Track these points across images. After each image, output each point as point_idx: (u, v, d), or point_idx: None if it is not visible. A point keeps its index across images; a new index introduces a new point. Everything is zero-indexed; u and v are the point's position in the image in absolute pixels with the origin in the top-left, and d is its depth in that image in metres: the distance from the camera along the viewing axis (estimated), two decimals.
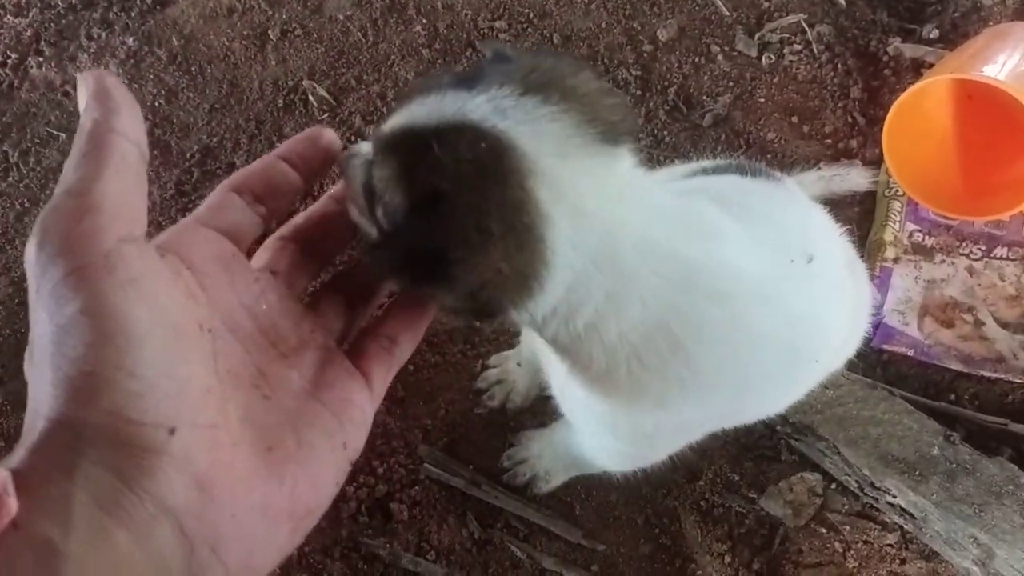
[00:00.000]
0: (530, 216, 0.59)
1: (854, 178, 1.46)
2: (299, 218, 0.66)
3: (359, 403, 0.58)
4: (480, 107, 0.60)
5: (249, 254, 0.61)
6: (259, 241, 0.63)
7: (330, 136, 0.65)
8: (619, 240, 0.63)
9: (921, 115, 1.46)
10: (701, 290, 0.68)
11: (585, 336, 0.67)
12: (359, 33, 1.72)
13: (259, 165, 0.62)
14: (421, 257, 0.60)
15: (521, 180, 0.58)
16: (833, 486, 1.26)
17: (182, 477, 0.44)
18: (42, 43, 1.78)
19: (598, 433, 0.92)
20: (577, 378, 0.76)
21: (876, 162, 1.51)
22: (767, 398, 0.91)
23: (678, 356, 0.69)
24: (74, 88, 1.69)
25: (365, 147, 0.69)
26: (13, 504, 0.38)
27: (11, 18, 1.82)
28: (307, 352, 0.59)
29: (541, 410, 1.31)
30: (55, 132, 1.67)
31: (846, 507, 1.24)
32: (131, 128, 0.49)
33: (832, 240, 1.00)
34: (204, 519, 0.44)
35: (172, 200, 1.57)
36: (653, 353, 0.69)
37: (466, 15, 1.73)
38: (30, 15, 1.82)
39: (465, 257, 0.58)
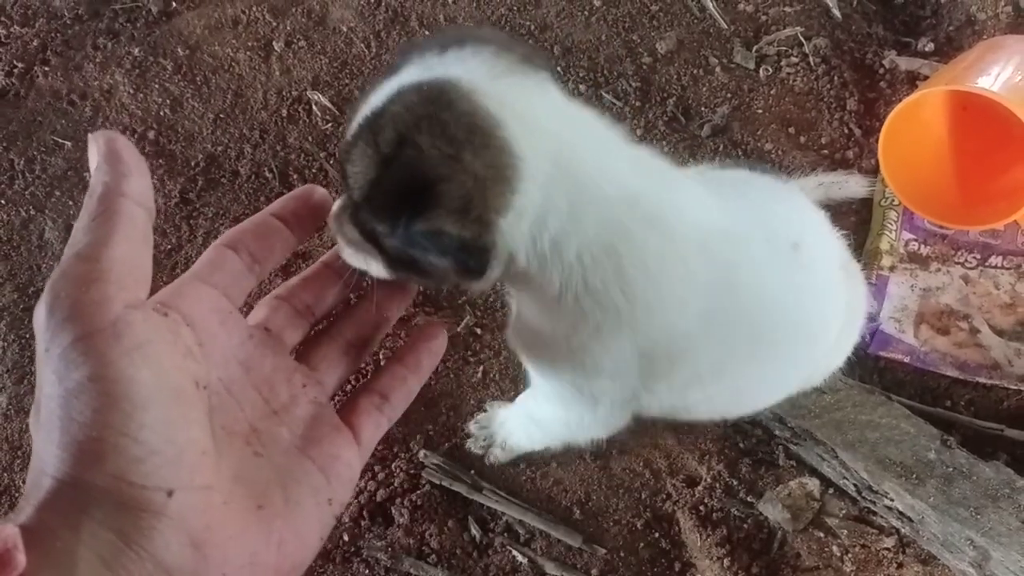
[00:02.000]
0: (483, 120, 0.65)
1: (852, 186, 1.49)
2: (294, 280, 0.70)
3: (347, 459, 0.61)
4: (411, 74, 0.67)
5: (241, 310, 0.63)
6: (253, 297, 0.66)
7: (321, 193, 0.70)
8: (571, 145, 0.69)
9: (917, 126, 1.48)
10: (643, 213, 0.73)
11: (550, 255, 0.71)
12: (362, 44, 1.74)
13: (252, 222, 0.65)
14: (408, 192, 0.64)
15: (467, 98, 0.65)
16: (831, 490, 1.27)
17: (178, 537, 0.46)
18: (48, 53, 1.80)
19: (545, 377, 0.95)
20: (531, 311, 0.83)
21: (872, 172, 1.53)
22: (721, 373, 0.91)
23: (618, 281, 0.74)
24: (79, 97, 1.73)
25: (337, 206, 0.74)
26: (22, 560, 0.40)
27: (17, 28, 1.84)
28: (298, 408, 0.61)
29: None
30: (61, 141, 1.68)
31: (844, 511, 1.26)
32: (140, 192, 0.51)
33: (827, 241, 1.02)
34: None
35: (176, 208, 1.59)
36: (598, 277, 0.73)
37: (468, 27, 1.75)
38: (36, 25, 1.84)
39: (446, 172, 0.63)
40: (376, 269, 0.72)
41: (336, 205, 0.74)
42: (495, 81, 0.67)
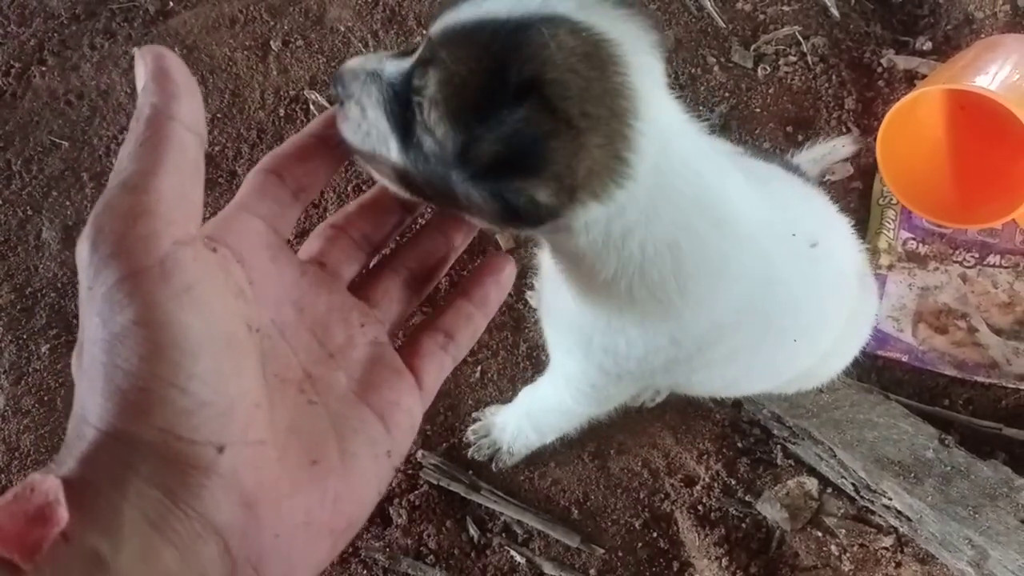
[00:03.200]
0: (628, 102, 0.61)
1: (842, 149, 1.51)
2: (351, 206, 0.64)
3: (407, 406, 0.56)
4: (565, 2, 0.61)
5: (290, 242, 0.58)
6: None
7: None
8: (672, 146, 0.65)
9: (914, 125, 1.48)
10: (711, 215, 0.71)
11: (616, 240, 0.68)
12: (360, 44, 1.74)
13: (293, 144, 0.59)
14: (512, 150, 0.59)
15: (619, 68, 0.60)
16: (829, 490, 1.27)
17: (229, 496, 0.43)
18: (45, 52, 1.80)
19: (573, 354, 0.93)
20: (575, 288, 0.79)
21: (870, 171, 1.53)
22: (732, 359, 0.91)
23: (676, 276, 0.72)
24: (76, 97, 1.72)
25: (366, 61, 0.67)
26: (64, 514, 0.38)
27: (14, 27, 1.83)
28: (355, 350, 0.57)
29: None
30: (58, 141, 1.68)
31: (842, 510, 1.26)
32: (191, 115, 0.47)
33: (847, 247, 1.03)
34: (248, 538, 0.44)
35: None
36: (656, 269, 0.71)
37: None
38: (33, 25, 1.83)
39: (566, 142, 0.59)
40: (381, 161, 0.65)
41: (365, 62, 0.66)
42: (646, 60, 0.63)
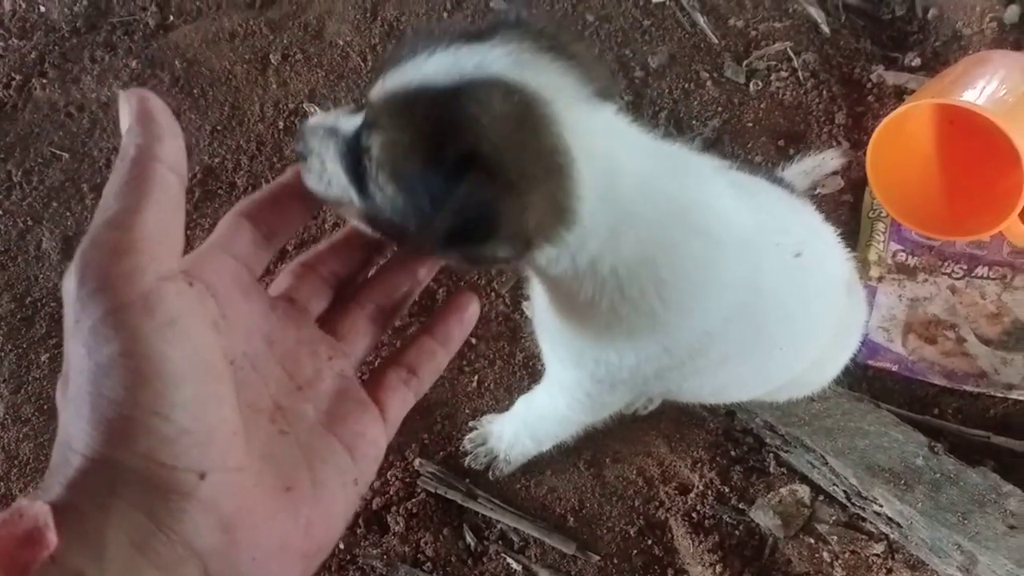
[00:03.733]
0: (562, 158, 0.64)
1: (830, 161, 1.53)
2: (322, 246, 0.67)
3: (372, 437, 0.58)
4: (500, 60, 0.64)
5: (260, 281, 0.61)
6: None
7: None
8: (622, 179, 0.69)
9: (904, 139, 1.51)
10: (689, 224, 0.75)
11: (586, 271, 0.72)
12: (358, 58, 1.76)
13: (268, 191, 0.63)
14: (464, 222, 0.62)
15: (551, 127, 0.64)
16: (821, 497, 1.29)
17: (209, 520, 0.45)
18: (46, 65, 1.81)
19: (566, 364, 0.96)
20: (560, 308, 0.83)
21: (860, 184, 1.56)
22: (722, 366, 0.93)
23: (656, 288, 0.75)
24: (77, 109, 1.74)
25: (324, 119, 0.70)
26: (53, 539, 0.39)
27: (15, 40, 1.85)
28: (322, 382, 0.59)
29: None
30: (58, 152, 1.70)
31: (834, 517, 1.27)
32: (174, 156, 0.49)
33: (834, 255, 1.05)
34: (227, 561, 0.46)
35: None
36: (636, 286, 0.74)
37: None
38: (34, 37, 1.85)
39: (511, 204, 0.62)
40: (346, 208, 0.69)
41: (323, 120, 0.70)
42: (576, 111, 0.66)
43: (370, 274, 0.69)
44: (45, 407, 1.44)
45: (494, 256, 0.67)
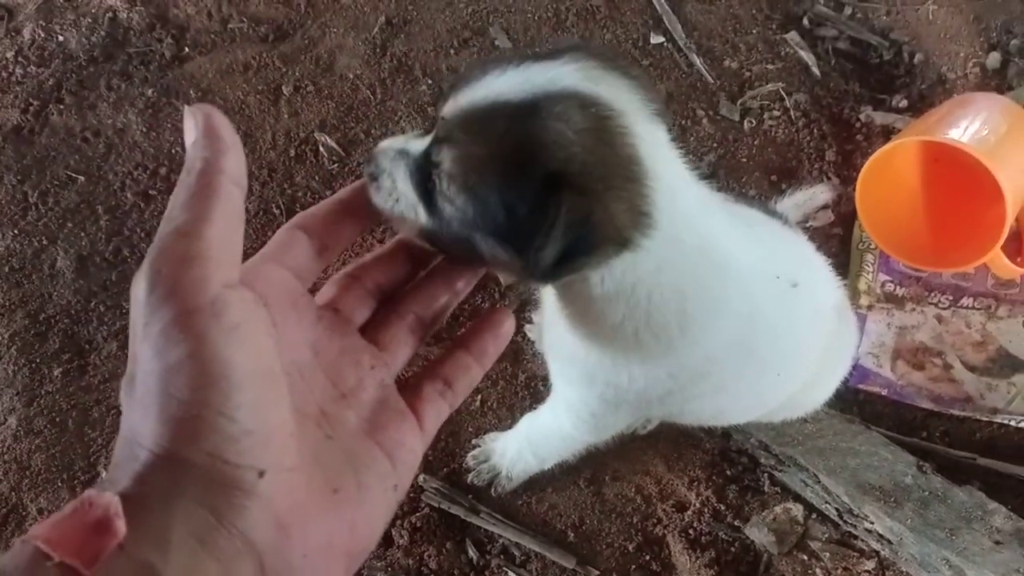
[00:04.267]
0: (639, 168, 0.68)
1: (820, 196, 1.60)
2: (367, 258, 0.69)
3: (411, 445, 0.60)
4: (572, 75, 0.68)
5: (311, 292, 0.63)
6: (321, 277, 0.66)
7: None
8: (679, 205, 0.73)
9: (891, 175, 1.58)
10: (713, 259, 0.79)
11: (626, 291, 0.75)
12: (368, 91, 1.83)
13: (322, 208, 0.65)
14: (570, 242, 0.66)
15: (628, 139, 0.68)
16: (814, 515, 1.33)
17: (266, 517, 0.47)
18: (63, 92, 1.87)
19: (575, 384, 1.00)
20: (581, 331, 0.86)
21: (850, 218, 1.62)
22: (721, 389, 0.98)
23: (679, 319, 0.80)
24: (93, 135, 1.79)
25: (394, 142, 0.75)
26: (122, 527, 0.41)
27: (34, 68, 1.91)
28: (364, 391, 0.61)
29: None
30: (73, 175, 1.74)
31: (826, 535, 1.31)
32: (237, 170, 0.51)
33: (824, 282, 1.11)
34: (280, 556, 0.48)
35: None
36: (661, 314, 0.78)
37: None
38: (52, 65, 1.91)
39: (601, 213, 0.67)
40: (411, 224, 0.73)
41: (393, 143, 0.75)
42: (646, 125, 0.70)
43: (410, 284, 0.71)
44: (57, 420, 1.47)
45: (591, 263, 0.71)
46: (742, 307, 0.86)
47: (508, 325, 0.70)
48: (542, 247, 0.66)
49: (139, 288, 0.47)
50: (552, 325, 0.96)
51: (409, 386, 0.64)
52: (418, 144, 0.74)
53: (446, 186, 0.70)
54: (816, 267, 1.11)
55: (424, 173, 0.72)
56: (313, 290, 0.65)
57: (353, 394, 0.60)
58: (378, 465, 0.58)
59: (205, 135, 0.51)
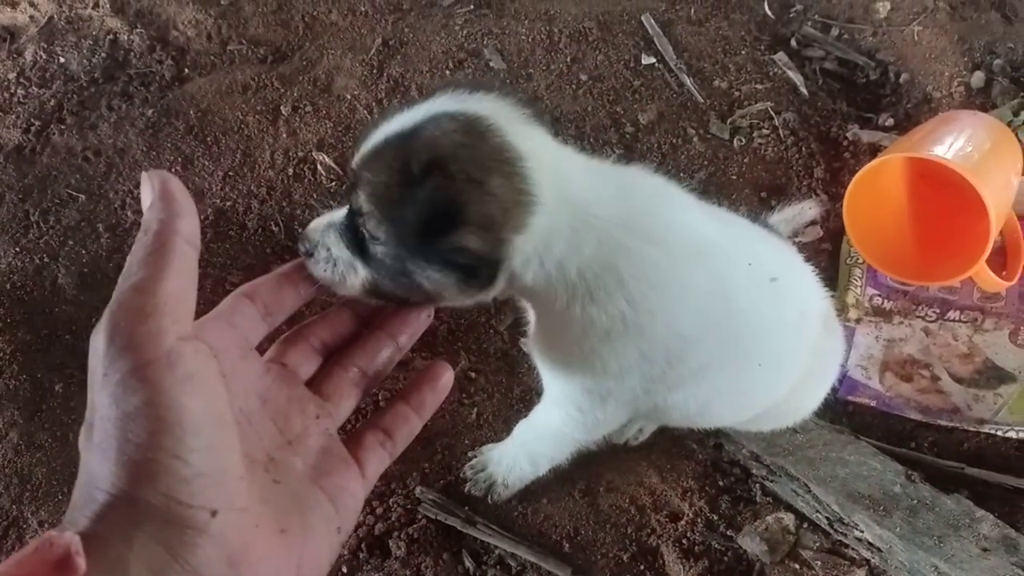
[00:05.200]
0: (511, 153, 0.77)
1: (808, 212, 1.65)
2: (314, 319, 0.75)
3: (353, 491, 0.65)
4: (443, 104, 0.79)
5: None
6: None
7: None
8: (570, 182, 0.82)
9: (878, 191, 1.62)
10: (642, 234, 0.85)
11: (555, 273, 0.83)
12: (365, 111, 1.86)
13: (267, 278, 0.71)
14: (439, 214, 0.74)
15: (496, 132, 0.77)
16: (805, 525, 1.35)
17: (218, 554, 0.50)
18: (64, 112, 1.90)
19: (557, 377, 1.04)
20: (544, 323, 0.94)
21: (838, 233, 1.66)
22: (703, 375, 1.01)
23: (622, 292, 0.86)
24: (94, 154, 1.83)
25: (320, 220, 0.85)
26: (82, 564, 0.44)
27: (35, 88, 1.94)
28: (310, 439, 0.66)
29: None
30: (74, 194, 1.77)
31: (817, 544, 1.33)
32: (191, 230, 0.56)
33: (810, 289, 1.14)
34: None
35: None
36: (602, 290, 0.85)
37: None
38: (54, 86, 1.94)
39: (473, 195, 0.74)
40: (351, 283, 0.81)
41: (320, 220, 0.84)
42: (516, 124, 0.79)
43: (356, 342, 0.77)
44: (58, 433, 1.48)
45: (469, 251, 0.77)
46: (701, 283, 0.91)
47: (446, 378, 0.76)
48: (407, 217, 0.75)
49: (98, 340, 0.51)
50: (532, 327, 1.02)
51: (352, 437, 0.69)
52: (340, 212, 0.83)
53: (371, 226, 0.78)
54: (802, 274, 1.15)
55: (352, 228, 0.80)
56: (261, 351, 0.69)
57: (299, 441, 0.65)
58: (323, 508, 0.62)
59: (161, 198, 0.55)
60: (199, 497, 0.50)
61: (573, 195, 0.82)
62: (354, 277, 0.80)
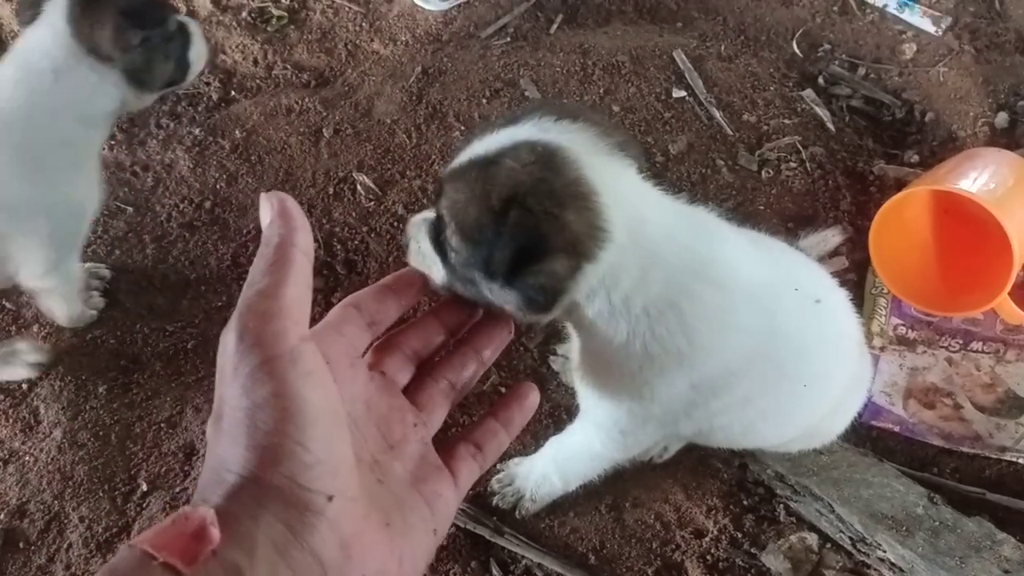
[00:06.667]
0: (585, 187, 0.81)
1: (831, 239, 1.70)
2: (405, 327, 0.79)
3: (447, 498, 0.69)
4: (527, 131, 0.84)
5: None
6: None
7: (421, 274, 0.85)
8: (645, 221, 0.85)
9: (903, 224, 1.66)
10: (705, 277, 0.89)
11: (620, 308, 0.87)
12: (404, 135, 1.92)
13: (371, 289, 0.76)
14: (518, 249, 0.79)
15: (573, 166, 0.81)
16: (828, 545, 1.37)
17: (333, 537, 0.54)
18: (115, 129, 1.97)
19: (603, 403, 1.07)
20: (598, 353, 0.97)
21: (864, 264, 1.70)
22: (749, 403, 1.05)
23: (683, 330, 0.90)
24: (142, 169, 1.89)
25: (420, 215, 0.91)
26: (217, 534, 0.49)
27: None
28: (409, 445, 0.70)
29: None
30: (123, 206, 1.83)
31: (840, 564, 1.35)
32: (306, 244, 0.60)
33: (847, 312, 1.17)
34: (342, 574, 0.55)
35: (228, 270, 1.73)
36: (663, 327, 0.89)
37: None
38: None
39: (551, 228, 0.79)
40: (436, 275, 0.87)
41: (419, 216, 0.90)
42: (595, 157, 0.83)
43: (444, 353, 0.82)
44: (100, 433, 1.53)
45: (554, 274, 0.82)
46: (753, 323, 0.95)
47: (533, 398, 0.80)
48: (493, 253, 0.80)
49: (228, 340, 0.56)
50: (578, 354, 1.05)
51: (445, 447, 0.73)
52: (433, 212, 0.89)
53: (448, 234, 0.84)
54: (839, 296, 1.18)
55: (438, 231, 0.86)
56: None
57: (399, 447, 0.69)
58: (421, 510, 0.65)
59: (280, 215, 0.61)
60: (317, 482, 0.54)
61: (646, 235, 0.85)
62: (436, 272, 0.86)
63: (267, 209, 0.61)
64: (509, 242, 0.79)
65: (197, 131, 1.95)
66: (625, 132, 0.93)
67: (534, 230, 0.79)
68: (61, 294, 1.56)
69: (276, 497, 0.53)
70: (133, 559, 0.48)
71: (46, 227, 1.42)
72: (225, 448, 0.55)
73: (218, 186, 1.87)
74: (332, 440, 0.56)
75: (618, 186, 0.83)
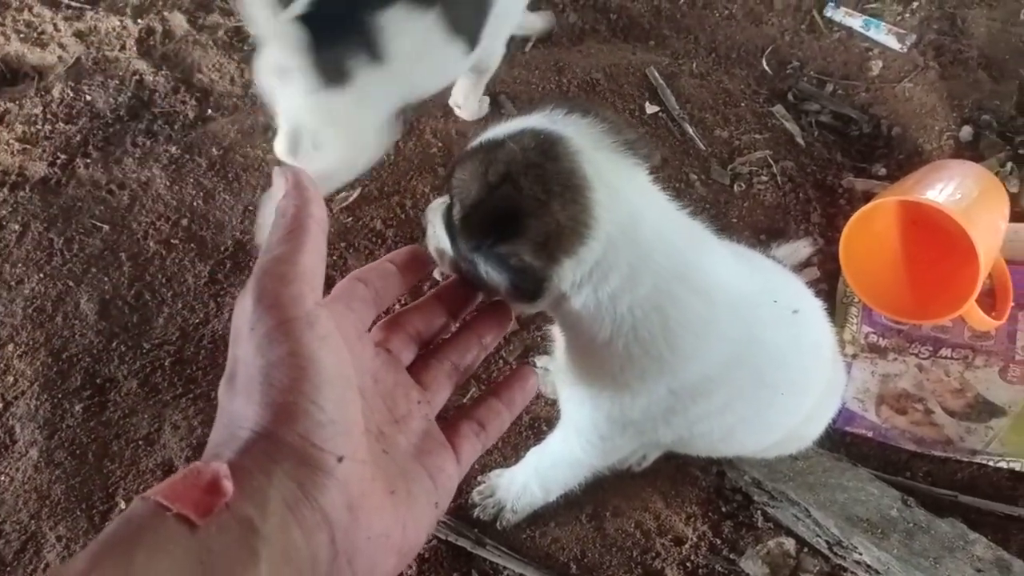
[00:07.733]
0: (579, 180, 0.81)
1: (802, 250, 1.74)
2: (408, 307, 0.81)
3: (450, 472, 0.70)
4: (536, 120, 0.86)
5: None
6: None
7: (423, 251, 0.84)
8: (640, 222, 0.85)
9: (872, 235, 1.69)
10: (692, 284, 0.90)
11: (606, 304, 0.87)
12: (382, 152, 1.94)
13: (374, 265, 0.77)
14: (501, 220, 0.81)
15: (570, 157, 0.82)
16: (806, 549, 1.39)
17: (341, 497, 0.55)
18: (90, 147, 1.97)
19: (584, 405, 1.08)
20: (580, 351, 0.98)
21: (835, 274, 1.73)
22: (728, 409, 1.06)
23: (665, 335, 0.90)
24: (118, 187, 1.90)
25: (439, 200, 0.93)
26: (230, 488, 0.50)
27: (62, 124, 2.01)
28: (413, 420, 0.70)
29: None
30: (99, 224, 1.83)
31: (818, 567, 1.37)
32: (320, 214, 0.63)
33: (822, 321, 1.20)
34: (348, 535, 0.56)
35: (205, 287, 1.73)
36: (647, 330, 0.89)
37: None
38: (80, 123, 2.02)
39: (535, 211, 0.80)
40: (447, 259, 0.89)
41: (437, 201, 0.93)
42: (598, 152, 0.84)
43: (447, 335, 0.83)
44: (77, 452, 1.52)
45: (524, 261, 0.83)
46: (733, 332, 0.96)
47: (533, 380, 0.81)
48: (474, 211, 0.83)
49: (245, 301, 0.57)
50: (560, 353, 1.06)
51: (448, 425, 0.74)
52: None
53: (455, 214, 0.86)
54: (814, 305, 1.21)
55: (448, 213, 0.88)
56: None
57: (404, 421, 0.70)
58: (424, 482, 0.66)
59: (294, 187, 0.63)
60: (330, 443, 0.55)
61: (640, 236, 0.85)
62: (447, 253, 0.88)
63: (280, 182, 0.63)
64: (490, 208, 0.81)
65: (173, 149, 1.96)
66: (637, 131, 0.94)
67: (517, 208, 0.80)
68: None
69: (289, 454, 0.53)
70: (147, 510, 0.48)
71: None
72: (239, 405, 0.55)
73: (195, 203, 1.87)
74: (344, 402, 0.57)
75: (617, 183, 0.83)
